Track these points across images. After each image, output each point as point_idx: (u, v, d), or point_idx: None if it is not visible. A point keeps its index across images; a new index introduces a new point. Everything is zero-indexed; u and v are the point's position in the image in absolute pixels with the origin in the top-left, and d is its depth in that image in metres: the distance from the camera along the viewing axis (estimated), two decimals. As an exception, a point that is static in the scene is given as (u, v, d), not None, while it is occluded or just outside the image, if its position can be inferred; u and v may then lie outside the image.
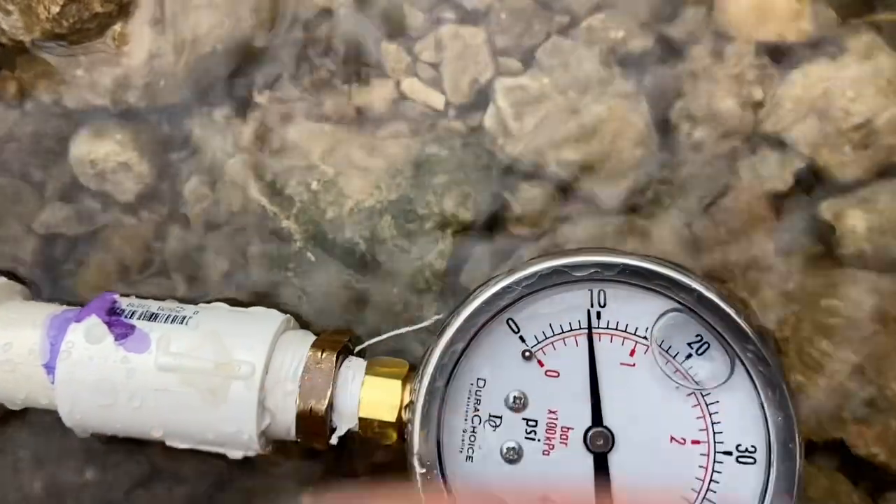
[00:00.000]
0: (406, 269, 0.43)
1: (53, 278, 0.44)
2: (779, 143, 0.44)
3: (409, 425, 0.33)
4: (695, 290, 0.32)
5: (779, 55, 0.44)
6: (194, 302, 0.41)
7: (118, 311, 0.37)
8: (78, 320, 0.36)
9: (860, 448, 0.40)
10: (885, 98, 0.43)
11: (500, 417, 0.34)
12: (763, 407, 0.32)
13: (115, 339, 0.36)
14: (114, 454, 0.44)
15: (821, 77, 0.43)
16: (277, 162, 0.45)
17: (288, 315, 0.39)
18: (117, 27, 0.45)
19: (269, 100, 0.45)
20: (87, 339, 0.36)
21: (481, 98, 0.45)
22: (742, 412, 0.33)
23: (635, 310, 0.34)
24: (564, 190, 0.44)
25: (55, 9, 0.42)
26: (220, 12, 0.45)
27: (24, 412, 0.40)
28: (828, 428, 0.41)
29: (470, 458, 0.34)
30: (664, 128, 0.45)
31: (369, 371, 0.37)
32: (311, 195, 0.44)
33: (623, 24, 0.44)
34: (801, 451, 0.32)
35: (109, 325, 0.36)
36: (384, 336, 0.40)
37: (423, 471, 0.33)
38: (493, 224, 0.44)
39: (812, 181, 0.44)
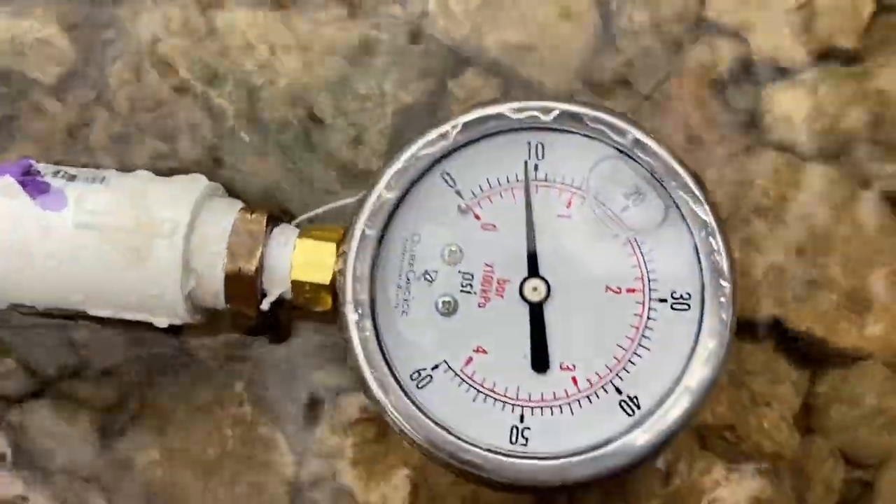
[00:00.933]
0: (343, 147, 0.42)
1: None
2: (720, 29, 0.44)
3: (341, 276, 0.32)
4: (630, 132, 0.32)
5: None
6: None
7: (34, 172, 0.35)
8: (-9, 177, 0.34)
9: (798, 325, 0.41)
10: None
11: (436, 272, 0.33)
12: (698, 253, 0.32)
13: (31, 198, 0.34)
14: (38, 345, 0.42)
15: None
16: (210, 44, 0.43)
17: (217, 183, 0.38)
18: None
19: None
20: (3, 196, 0.34)
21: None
22: (677, 260, 0.33)
23: (572, 161, 0.33)
24: (505, 75, 0.43)
25: None
26: None
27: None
28: (766, 306, 0.41)
29: (405, 312, 0.33)
30: (606, 13, 0.44)
31: (302, 234, 0.36)
32: (244, 74, 0.43)
33: None
34: (734, 296, 0.32)
35: (24, 184, 0.34)
36: (319, 210, 0.38)
37: (356, 318, 0.32)
38: (434, 108, 0.43)
39: (752, 67, 0.44)
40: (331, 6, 0.44)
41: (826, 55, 0.44)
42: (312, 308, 0.36)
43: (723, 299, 0.31)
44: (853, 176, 0.42)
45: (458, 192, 0.34)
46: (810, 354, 0.41)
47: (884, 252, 0.41)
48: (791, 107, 0.43)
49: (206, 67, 0.43)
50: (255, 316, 0.36)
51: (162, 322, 0.35)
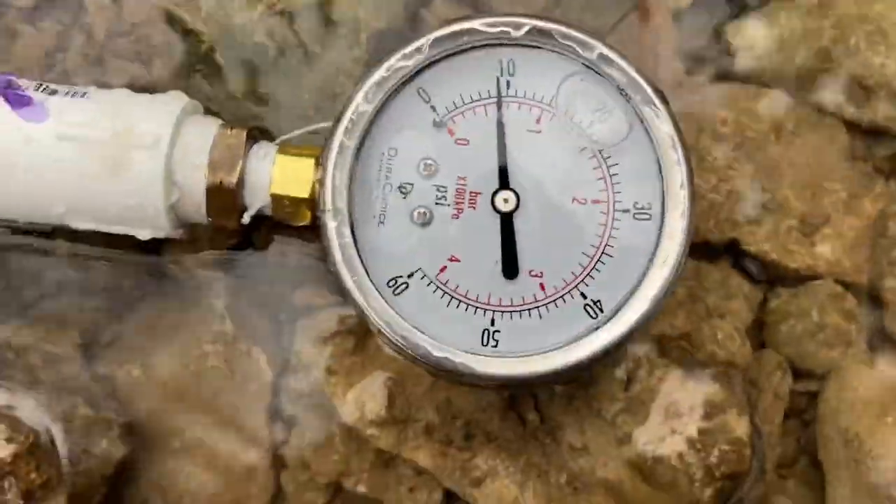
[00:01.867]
0: (319, 73, 0.43)
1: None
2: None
3: (320, 185, 0.34)
4: (596, 47, 0.34)
5: None
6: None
7: (14, 85, 0.36)
8: (-31, 91, 0.35)
9: (752, 246, 0.43)
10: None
11: (412, 184, 0.35)
12: (659, 165, 0.34)
13: (11, 108, 0.34)
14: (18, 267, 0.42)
15: None
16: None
17: (196, 101, 0.38)
18: None
19: None
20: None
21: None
22: (639, 172, 0.34)
23: (542, 77, 0.35)
24: (475, 4, 0.44)
25: None
26: None
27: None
28: (723, 228, 0.43)
29: (382, 222, 0.35)
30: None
31: (281, 151, 0.37)
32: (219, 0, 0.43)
33: None
34: (692, 206, 0.34)
35: (5, 96, 0.35)
36: (297, 132, 0.39)
37: (335, 224, 0.33)
38: (407, 35, 0.44)
39: (715, -1, 0.45)
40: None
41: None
42: (292, 222, 0.37)
43: (681, 209, 0.33)
44: (809, 104, 0.44)
45: (433, 107, 0.35)
46: (763, 274, 0.43)
47: (835, 178, 0.44)
48: (751, 37, 0.45)
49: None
50: (237, 229, 0.37)
51: (144, 234, 0.36)
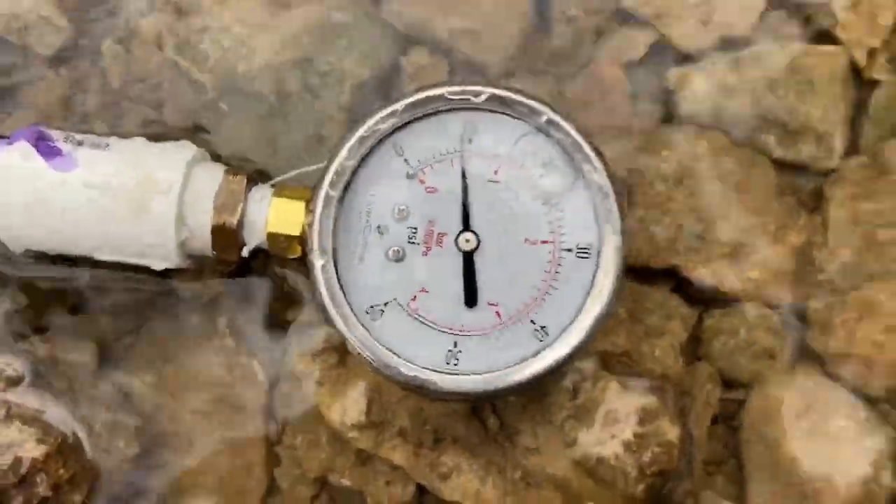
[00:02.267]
0: (311, 118, 0.49)
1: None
2: (635, 18, 0.51)
3: (310, 229, 0.40)
4: (545, 113, 0.40)
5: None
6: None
7: (46, 137, 0.41)
8: (10, 143, 0.41)
9: (689, 272, 0.49)
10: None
11: (387, 226, 0.41)
12: (596, 213, 0.40)
13: (45, 160, 0.40)
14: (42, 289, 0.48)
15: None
16: (191, 22, 0.50)
17: (202, 149, 0.44)
18: None
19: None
20: (22, 158, 0.40)
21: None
22: (581, 217, 0.40)
23: (499, 136, 0.41)
24: (448, 54, 0.50)
25: None
26: None
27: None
28: (664, 256, 0.49)
29: (362, 259, 0.41)
30: (541, 3, 0.51)
31: (276, 194, 0.43)
32: (223, 52, 0.49)
33: None
34: (622, 247, 0.40)
35: (38, 148, 0.41)
36: (291, 173, 0.45)
37: (322, 263, 0.39)
38: (387, 82, 0.50)
39: (662, 51, 0.51)
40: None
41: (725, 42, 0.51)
42: (286, 256, 0.43)
43: (614, 248, 0.40)
44: (743, 144, 0.50)
45: (406, 161, 0.41)
46: (699, 296, 0.49)
47: (765, 211, 0.50)
48: (693, 85, 0.51)
49: (186, 45, 0.49)
50: (237, 262, 0.43)
51: (158, 266, 0.42)
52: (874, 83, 0.50)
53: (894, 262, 0.48)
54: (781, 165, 0.51)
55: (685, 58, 0.51)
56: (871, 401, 0.47)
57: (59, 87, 0.50)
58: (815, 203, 0.50)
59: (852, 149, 0.50)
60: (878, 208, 0.49)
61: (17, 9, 0.48)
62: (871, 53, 0.50)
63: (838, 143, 0.50)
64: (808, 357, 0.49)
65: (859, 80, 0.50)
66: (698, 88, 0.51)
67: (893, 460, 0.46)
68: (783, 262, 0.50)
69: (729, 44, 0.52)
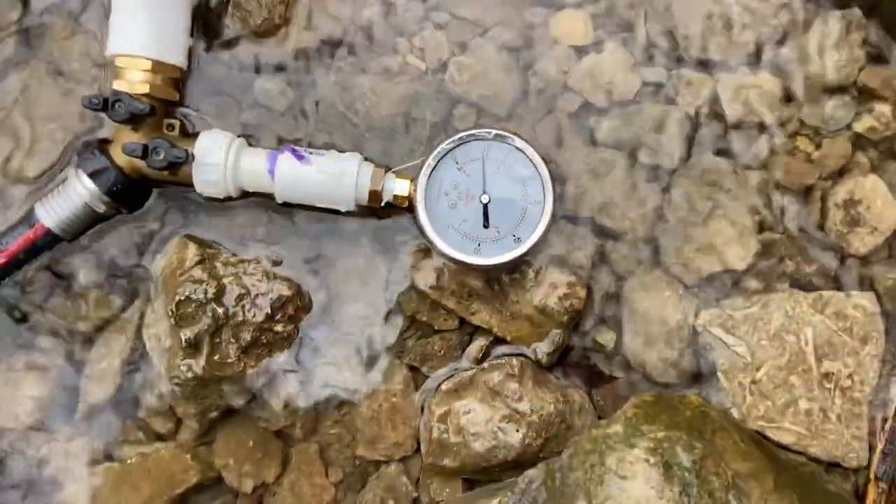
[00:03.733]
0: (410, 141, 1.00)
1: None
2: (571, 90, 1.01)
3: (414, 193, 0.91)
4: (517, 140, 0.90)
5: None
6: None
7: (296, 150, 0.93)
8: (280, 154, 0.92)
9: (604, 219, 0.99)
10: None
11: (448, 192, 0.91)
12: (543, 185, 0.90)
13: (298, 161, 0.92)
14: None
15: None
16: (348, 89, 1.01)
17: (362, 155, 0.96)
18: None
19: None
20: (289, 160, 0.92)
21: (441, 65, 1.01)
22: (535, 188, 0.91)
23: (499, 152, 0.91)
24: (476, 107, 1.00)
25: None
26: None
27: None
28: (577, 211, 0.99)
29: (437, 207, 0.92)
30: (524, 81, 1.01)
31: (398, 175, 0.94)
32: (366, 107, 1.00)
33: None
34: (554, 197, 0.90)
35: (294, 153, 0.92)
36: (403, 166, 0.96)
37: (421, 208, 0.90)
38: (447, 123, 1.01)
39: (591, 109, 1.01)
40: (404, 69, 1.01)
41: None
42: (402, 207, 0.94)
43: (550, 199, 0.90)
44: (637, 167, 1.00)
45: (457, 162, 0.92)
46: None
47: (638, 191, 0.99)
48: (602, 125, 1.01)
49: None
50: (379, 208, 0.94)
51: (342, 209, 0.93)
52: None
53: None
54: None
55: (599, 111, 1.01)
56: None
57: (281, 119, 1.01)
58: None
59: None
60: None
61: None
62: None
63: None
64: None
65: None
66: (605, 126, 1.01)
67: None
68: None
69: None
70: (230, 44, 0.98)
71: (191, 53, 0.96)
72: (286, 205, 0.94)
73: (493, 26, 0.98)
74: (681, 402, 0.86)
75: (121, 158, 0.90)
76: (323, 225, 0.98)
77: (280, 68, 0.98)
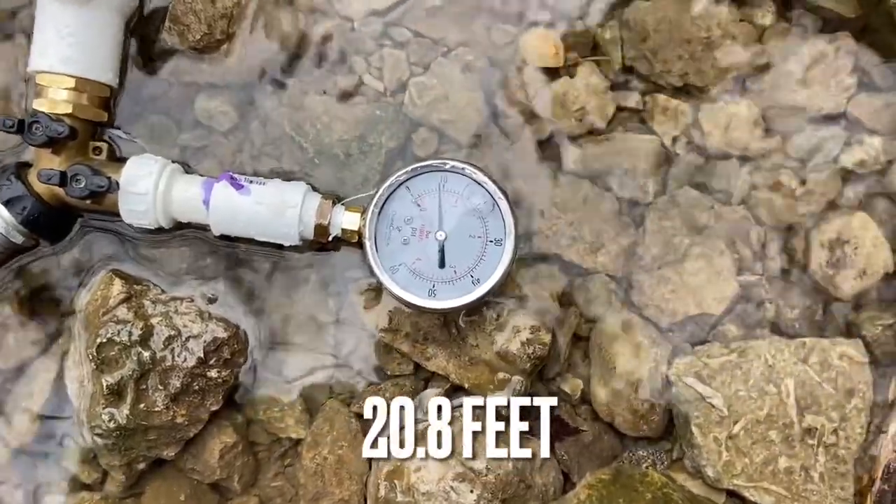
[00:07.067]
0: (363, 169, 0.92)
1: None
2: (538, 118, 0.94)
3: (364, 227, 0.83)
4: (478, 174, 0.82)
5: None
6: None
7: (236, 178, 0.85)
8: (217, 182, 0.84)
9: (573, 257, 0.91)
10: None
11: (401, 227, 0.83)
12: (504, 221, 0.82)
13: (236, 190, 0.83)
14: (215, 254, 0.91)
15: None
16: (303, 122, 0.93)
17: (309, 186, 0.87)
18: None
19: None
20: (225, 188, 0.83)
21: (400, 86, 0.93)
22: (497, 223, 0.83)
23: (457, 183, 0.83)
24: (437, 132, 0.93)
25: None
26: None
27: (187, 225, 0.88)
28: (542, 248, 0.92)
29: (388, 243, 0.83)
30: (493, 111, 0.93)
31: (347, 209, 0.85)
32: (316, 131, 0.92)
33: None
34: (516, 240, 0.82)
35: (232, 183, 0.84)
36: (353, 197, 0.88)
37: (370, 244, 0.82)
38: (405, 149, 0.93)
39: (557, 133, 0.94)
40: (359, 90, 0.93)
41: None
42: (350, 241, 0.86)
43: (512, 242, 0.82)
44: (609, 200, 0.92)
45: (412, 194, 0.84)
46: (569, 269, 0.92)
47: (610, 226, 0.92)
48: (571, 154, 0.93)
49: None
50: (326, 243, 0.86)
51: (286, 243, 0.85)
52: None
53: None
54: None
55: (570, 139, 0.94)
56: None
57: (227, 148, 0.93)
58: (640, 220, 0.92)
59: (654, 192, 0.92)
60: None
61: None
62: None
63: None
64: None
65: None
66: (576, 155, 0.93)
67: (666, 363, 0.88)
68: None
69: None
70: (167, 60, 0.89)
71: (123, 70, 0.87)
72: (226, 237, 0.86)
73: (458, 46, 0.91)
74: (641, 482, 0.78)
75: (39, 186, 0.81)
76: (267, 259, 0.89)
77: (222, 87, 0.90)
